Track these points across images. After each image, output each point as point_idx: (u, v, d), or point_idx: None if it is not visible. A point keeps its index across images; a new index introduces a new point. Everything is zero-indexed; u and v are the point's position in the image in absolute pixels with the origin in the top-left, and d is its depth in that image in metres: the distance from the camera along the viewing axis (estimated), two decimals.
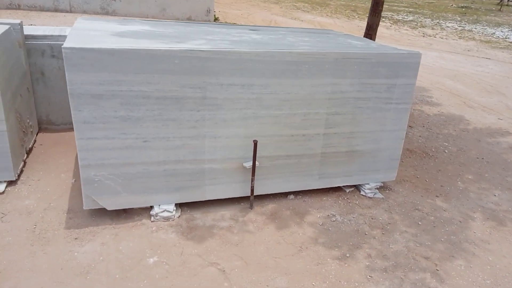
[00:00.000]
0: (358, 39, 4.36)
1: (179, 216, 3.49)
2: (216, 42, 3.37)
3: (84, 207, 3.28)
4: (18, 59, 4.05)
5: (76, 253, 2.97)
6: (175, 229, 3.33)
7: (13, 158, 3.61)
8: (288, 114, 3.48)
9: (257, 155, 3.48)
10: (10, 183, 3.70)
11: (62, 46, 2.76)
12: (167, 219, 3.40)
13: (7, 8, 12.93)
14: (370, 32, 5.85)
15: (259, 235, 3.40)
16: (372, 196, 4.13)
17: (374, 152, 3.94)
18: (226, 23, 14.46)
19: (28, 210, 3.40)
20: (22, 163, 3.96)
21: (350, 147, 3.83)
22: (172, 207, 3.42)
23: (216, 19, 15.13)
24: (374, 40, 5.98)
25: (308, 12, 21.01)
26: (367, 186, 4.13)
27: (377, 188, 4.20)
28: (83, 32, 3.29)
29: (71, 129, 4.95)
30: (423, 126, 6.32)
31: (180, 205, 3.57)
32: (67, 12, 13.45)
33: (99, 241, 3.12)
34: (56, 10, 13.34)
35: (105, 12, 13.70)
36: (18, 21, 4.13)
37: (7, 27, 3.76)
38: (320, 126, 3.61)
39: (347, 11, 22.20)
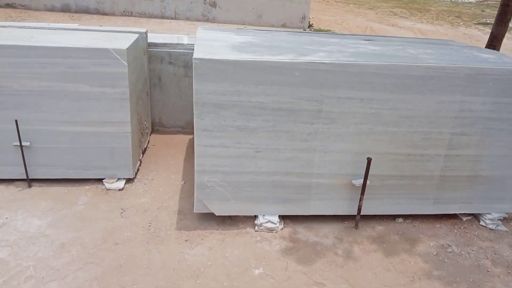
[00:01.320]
0: (487, 52, 3.92)
1: (282, 229, 3.44)
2: (335, 54, 3.27)
3: (194, 210, 3.40)
4: (143, 66, 4.37)
5: (186, 255, 3.08)
6: (279, 242, 3.29)
7: (132, 158, 3.89)
8: (407, 132, 3.24)
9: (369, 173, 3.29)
10: (128, 180, 3.98)
11: (192, 57, 2.88)
12: (270, 230, 3.38)
13: (121, 15, 14.26)
14: (494, 43, 5.27)
15: (366, 259, 3.20)
16: (493, 228, 3.67)
17: (501, 179, 3.50)
18: (331, 32, 14.30)
19: (144, 208, 3.62)
20: (139, 162, 4.25)
21: (474, 172, 3.45)
22: (276, 219, 3.39)
23: (310, 26, 15.05)
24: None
25: (406, 18, 19.91)
26: (489, 216, 3.69)
27: (500, 220, 3.73)
28: (207, 43, 3.41)
29: (179, 132, 5.22)
30: None
31: (282, 217, 3.52)
32: (172, 19, 14.43)
33: (207, 245, 3.20)
34: (162, 17, 14.38)
35: (206, 19, 14.42)
36: (143, 30, 4.46)
37: (136, 35, 4.07)
38: (441, 146, 3.30)
39: (450, 18, 20.57)
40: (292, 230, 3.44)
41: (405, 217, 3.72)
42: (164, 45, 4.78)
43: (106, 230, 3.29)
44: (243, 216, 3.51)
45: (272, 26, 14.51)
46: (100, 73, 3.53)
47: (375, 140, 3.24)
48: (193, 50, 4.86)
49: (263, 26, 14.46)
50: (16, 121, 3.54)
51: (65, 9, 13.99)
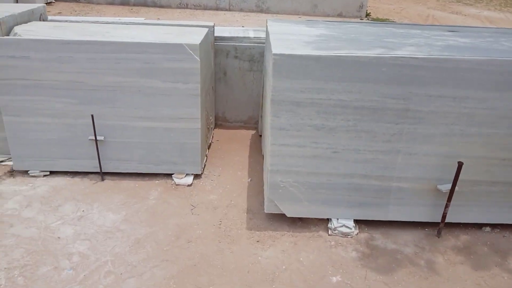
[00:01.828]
0: None
1: (357, 234, 3.25)
2: (424, 48, 2.99)
3: (265, 210, 3.30)
4: (210, 60, 4.32)
5: (259, 257, 2.99)
6: (355, 248, 3.11)
7: (201, 154, 3.86)
8: (504, 134, 2.92)
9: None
10: (196, 176, 3.97)
11: (272, 53, 2.74)
12: (345, 235, 3.20)
13: (177, 7, 14.46)
14: None
15: (453, 271, 2.94)
16: None
17: None
18: (392, 22, 13.66)
19: (213, 205, 3.58)
20: (205, 158, 4.22)
21: None
22: (351, 223, 3.21)
23: (367, 15, 14.44)
24: None
25: (471, 5, 18.55)
26: None
27: None
28: (282, 37, 3.27)
29: (242, 127, 5.15)
30: None
31: (357, 222, 3.33)
32: (226, 10, 14.42)
33: (280, 247, 3.09)
34: (217, 8, 14.41)
35: (260, 9, 14.27)
36: (211, 24, 4.40)
37: (206, 30, 4.01)
38: None
39: None
40: (368, 236, 3.24)
41: (492, 226, 3.40)
42: (230, 38, 4.70)
43: (178, 226, 3.28)
44: (315, 218, 3.36)
45: (328, 15, 14.08)
46: (173, 69, 3.51)
47: (467, 143, 2.95)
48: (259, 43, 4.77)
49: (318, 16, 14.06)
50: (92, 116, 3.61)
51: (124, 3, 14.42)
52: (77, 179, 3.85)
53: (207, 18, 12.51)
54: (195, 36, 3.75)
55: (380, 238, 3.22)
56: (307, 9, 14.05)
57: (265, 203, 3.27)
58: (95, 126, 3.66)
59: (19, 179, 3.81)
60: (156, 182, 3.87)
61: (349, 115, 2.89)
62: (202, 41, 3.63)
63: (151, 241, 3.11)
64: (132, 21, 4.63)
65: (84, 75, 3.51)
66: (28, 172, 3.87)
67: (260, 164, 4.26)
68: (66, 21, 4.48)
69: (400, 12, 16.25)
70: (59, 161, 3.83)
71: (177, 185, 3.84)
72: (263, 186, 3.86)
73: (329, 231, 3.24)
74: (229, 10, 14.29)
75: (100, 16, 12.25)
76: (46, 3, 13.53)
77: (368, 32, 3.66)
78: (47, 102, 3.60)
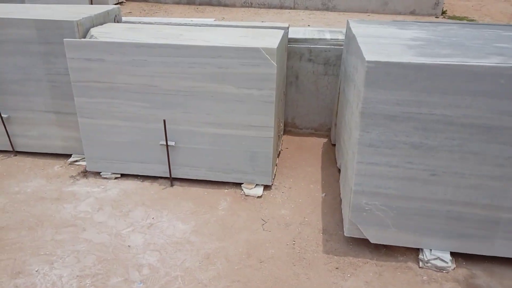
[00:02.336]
0: None
1: (454, 269, 2.82)
2: None
3: (345, 234, 2.98)
4: (284, 64, 4.07)
5: None
6: (452, 286, 2.69)
7: (272, 164, 3.62)
8: None
9: None
10: (266, 187, 3.73)
11: (366, 60, 2.41)
12: (440, 269, 2.79)
13: (242, 6, 14.41)
14: None
15: None
16: None
17: None
18: (471, 20, 12.61)
19: (285, 221, 3.32)
20: (275, 167, 3.98)
21: None
22: (448, 256, 2.79)
23: (443, 13, 13.39)
24: None
25: None
26: None
27: None
28: (372, 40, 2.91)
29: (312, 134, 4.84)
30: None
31: (453, 254, 2.90)
32: (291, 9, 14.11)
33: (362, 278, 2.76)
34: (281, 7, 14.14)
35: (326, 8, 13.78)
36: (286, 25, 4.14)
37: (282, 32, 3.75)
38: None
39: None
40: (468, 272, 2.80)
41: None
42: (305, 40, 4.40)
43: (249, 243, 3.06)
44: (403, 247, 2.97)
45: (399, 13, 13.25)
46: (248, 74, 3.29)
47: None
48: (336, 46, 4.42)
49: (388, 14, 13.29)
50: (164, 120, 3.50)
51: (190, 2, 14.64)
52: (146, 184, 3.78)
53: (271, 17, 12.30)
54: (272, 39, 3.50)
55: (482, 276, 2.77)
56: (377, 6, 13.32)
57: (346, 226, 2.95)
58: (167, 131, 3.55)
59: (91, 180, 3.82)
60: (225, 191, 3.70)
61: (454, 133, 2.48)
62: (279, 45, 3.37)
63: (221, 258, 2.92)
64: (203, 22, 4.50)
65: (157, 79, 3.41)
66: (100, 173, 3.87)
67: (335, 177, 3.93)
68: (140, 22, 4.44)
69: (479, 10, 14.90)
70: (130, 164, 3.78)
71: (246, 195, 3.63)
72: (339, 203, 3.53)
73: (420, 263, 2.84)
74: (294, 8, 13.96)
75: (168, 15, 12.52)
76: (117, 3, 14.10)
77: (472, 35, 3.18)
78: (121, 105, 3.55)
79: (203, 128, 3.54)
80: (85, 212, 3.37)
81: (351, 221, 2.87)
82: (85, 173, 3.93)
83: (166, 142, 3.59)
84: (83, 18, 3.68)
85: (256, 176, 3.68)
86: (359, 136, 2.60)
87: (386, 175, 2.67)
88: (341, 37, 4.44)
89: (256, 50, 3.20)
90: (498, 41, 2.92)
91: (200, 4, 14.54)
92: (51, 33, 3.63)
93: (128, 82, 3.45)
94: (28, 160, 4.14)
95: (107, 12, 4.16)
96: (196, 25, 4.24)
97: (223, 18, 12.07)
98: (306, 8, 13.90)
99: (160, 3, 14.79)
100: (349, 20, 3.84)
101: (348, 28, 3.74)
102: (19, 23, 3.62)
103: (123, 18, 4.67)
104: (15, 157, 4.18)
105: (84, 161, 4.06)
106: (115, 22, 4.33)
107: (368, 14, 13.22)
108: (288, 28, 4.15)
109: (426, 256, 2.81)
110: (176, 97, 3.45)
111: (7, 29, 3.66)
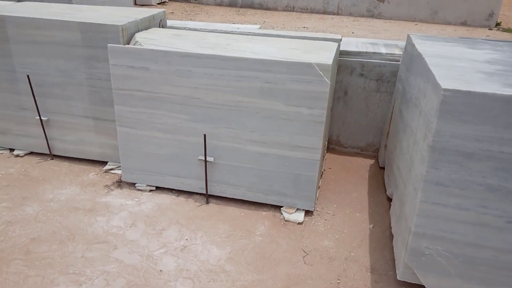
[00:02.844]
0: None
1: None
2: None
3: (398, 277, 2.66)
4: (334, 78, 3.77)
5: None
6: None
7: (316, 187, 3.34)
8: None
9: None
10: (307, 212, 3.46)
11: (442, 87, 2.09)
12: None
13: (284, 10, 14.16)
14: None
15: None
16: None
17: None
18: None
19: (329, 255, 3.03)
20: (318, 190, 3.69)
21: None
22: None
23: (497, 24, 12.60)
24: None
25: None
26: None
27: None
28: (444, 63, 2.58)
29: (358, 154, 4.52)
30: None
31: None
32: (334, 14, 13.73)
33: None
34: (324, 12, 13.79)
35: (371, 14, 13.32)
36: (339, 37, 3.84)
37: (335, 45, 3.46)
38: None
39: None
40: None
41: None
42: (358, 53, 4.09)
43: (289, 278, 2.80)
44: None
45: (449, 23, 12.60)
46: (298, 91, 3.03)
47: None
48: (392, 61, 4.08)
49: (438, 23, 12.66)
50: (204, 135, 3.30)
51: (232, 4, 14.56)
52: (181, 199, 3.59)
53: (313, 23, 11.98)
54: (325, 53, 3.23)
55: None
56: (426, 15, 12.72)
57: (399, 268, 2.63)
58: (206, 146, 3.35)
59: (126, 191, 3.68)
60: (263, 213, 3.45)
61: None
62: (333, 60, 3.09)
63: None
64: (249, 30, 4.28)
65: (200, 91, 3.21)
66: (135, 185, 3.72)
67: (385, 206, 3.59)
68: (185, 28, 4.28)
69: None
70: (166, 178, 3.61)
71: (286, 220, 3.37)
72: (389, 237, 3.21)
73: None
74: (337, 14, 13.57)
75: (209, 16, 12.45)
76: (159, 3, 14.21)
77: None
78: (162, 116, 3.38)
79: (245, 146, 3.31)
80: (117, 227, 3.22)
81: (407, 264, 2.55)
82: (119, 183, 3.79)
83: (205, 158, 3.39)
84: (128, 22, 3.54)
85: (297, 200, 3.41)
86: (425, 172, 2.27)
87: (453, 219, 2.33)
88: (397, 51, 4.09)
89: (309, 65, 2.93)
90: None
91: (241, 7, 14.42)
92: (95, 37, 3.51)
93: (170, 93, 3.27)
94: (64, 165, 4.06)
95: (153, 16, 4.02)
96: (242, 33, 4.02)
97: (264, 22, 11.87)
98: (350, 14, 13.47)
99: (202, 4, 14.81)
100: (411, 35, 3.50)
101: (410, 44, 3.40)
102: (63, 25, 3.53)
103: (168, 22, 4.53)
104: (51, 160, 4.12)
105: (120, 169, 3.94)
106: (160, 26, 4.19)
107: (415, 23, 12.65)
108: (341, 40, 3.85)
109: None
110: (219, 111, 3.24)
111: (50, 30, 3.58)
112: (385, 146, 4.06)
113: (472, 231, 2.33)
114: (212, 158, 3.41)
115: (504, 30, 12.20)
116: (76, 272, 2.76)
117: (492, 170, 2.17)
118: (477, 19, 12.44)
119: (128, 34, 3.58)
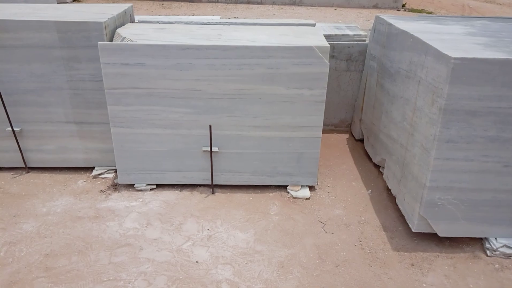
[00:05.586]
0: None
1: None
2: None
3: (413, 229, 3.01)
4: None
5: (424, 284, 2.71)
6: None
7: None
8: None
9: None
10: (310, 188, 3.68)
11: (452, 56, 2.42)
12: (508, 256, 2.91)
13: (208, 2, 14.09)
14: None
15: None
16: None
17: None
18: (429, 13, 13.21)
19: (343, 222, 3.29)
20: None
21: None
22: None
23: (403, 6, 14.00)
24: None
25: None
26: None
27: None
28: (435, 37, 2.94)
29: (333, 131, 4.86)
30: None
31: None
32: (258, 4, 14.03)
33: (440, 272, 2.81)
34: (249, 2, 14.03)
35: (293, 2, 13.88)
36: (312, 22, 4.08)
37: (317, 28, 3.69)
38: None
39: None
40: None
41: None
42: (328, 37, 4.37)
43: (318, 247, 3.00)
44: (465, 237, 3.06)
45: (363, 7, 13.68)
46: (299, 74, 3.20)
47: None
48: (359, 41, 4.44)
49: (353, 7, 13.68)
50: (210, 126, 3.33)
51: None
52: (186, 193, 3.58)
53: (242, 13, 12.16)
54: (316, 37, 3.44)
55: None
56: (342, 1, 13.64)
57: (414, 221, 2.98)
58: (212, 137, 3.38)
59: (125, 193, 3.55)
60: (270, 194, 3.60)
61: None
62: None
63: (296, 265, 2.83)
64: (209, 20, 4.32)
65: (202, 83, 3.22)
66: (134, 186, 3.60)
67: (374, 173, 3.96)
68: (158, 22, 4.18)
69: (433, 2, 15.77)
70: (166, 174, 3.56)
71: (294, 198, 3.56)
72: (387, 199, 3.57)
73: (488, 252, 2.94)
74: (261, 3, 13.91)
75: (136, 11, 11.93)
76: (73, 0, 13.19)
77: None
78: (161, 112, 3.31)
79: (249, 132, 3.41)
80: (133, 229, 3.12)
81: (422, 216, 2.90)
82: (115, 187, 3.64)
83: (211, 148, 3.41)
84: (108, 19, 3.38)
85: (301, 178, 3.61)
86: (439, 132, 2.62)
87: (461, 170, 2.72)
88: (362, 32, 4.47)
89: (309, 49, 3.12)
90: None
91: (165, 0, 14.03)
92: (75, 36, 3.29)
93: (170, 87, 3.22)
94: (45, 176, 3.75)
95: (125, 11, 3.86)
96: (224, 23, 4.06)
97: (193, 14, 11.73)
98: (273, 3, 13.91)
99: None
100: (380, 16, 3.86)
101: (382, 24, 3.76)
102: (37, 25, 3.25)
103: (137, 17, 4.37)
104: (27, 174, 3.78)
105: (110, 173, 3.77)
106: (129, 21, 4.03)
107: (334, 8, 13.50)
108: (314, 25, 4.10)
109: (493, 245, 2.91)
110: (221, 101, 3.29)
111: (21, 33, 3.27)
112: (360, 120, 4.43)
113: (476, 178, 2.75)
114: (217, 148, 3.44)
115: (410, 10, 13.60)
116: (111, 278, 2.65)
117: (491, 123, 2.59)
118: (386, 2, 13.69)
119: (109, 31, 3.41)
